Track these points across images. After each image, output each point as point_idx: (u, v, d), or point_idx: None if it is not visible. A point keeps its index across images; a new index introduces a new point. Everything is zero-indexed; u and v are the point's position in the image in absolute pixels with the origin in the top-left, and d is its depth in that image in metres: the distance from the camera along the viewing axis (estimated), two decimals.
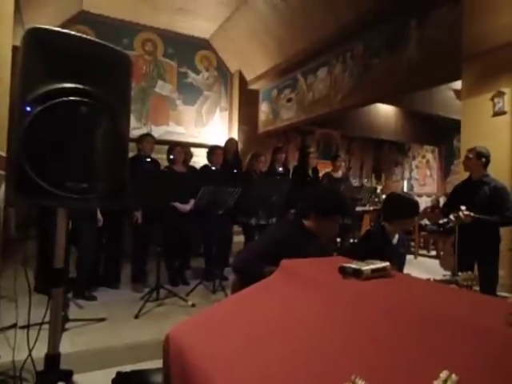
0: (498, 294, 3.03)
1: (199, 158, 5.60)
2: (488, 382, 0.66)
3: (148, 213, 3.87)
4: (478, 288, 2.67)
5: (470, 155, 3.16)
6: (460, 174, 4.06)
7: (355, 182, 8.76)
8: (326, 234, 2.20)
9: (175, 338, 1.13)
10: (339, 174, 5.44)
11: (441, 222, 6.78)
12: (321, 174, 5.50)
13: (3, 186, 1.96)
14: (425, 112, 7.43)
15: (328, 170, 5.78)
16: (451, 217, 3.05)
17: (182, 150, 4.34)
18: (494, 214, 2.94)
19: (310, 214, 2.12)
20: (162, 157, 4.59)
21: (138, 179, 3.35)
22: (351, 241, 5.08)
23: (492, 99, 3.61)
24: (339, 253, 2.85)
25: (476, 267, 3.05)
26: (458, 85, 4.65)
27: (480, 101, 3.72)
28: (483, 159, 3.09)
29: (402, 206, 2.38)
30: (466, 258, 3.05)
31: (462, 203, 3.00)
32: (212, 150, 4.53)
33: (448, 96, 6.99)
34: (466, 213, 2.93)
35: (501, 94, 3.55)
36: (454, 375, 0.67)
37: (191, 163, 5.18)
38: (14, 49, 2.04)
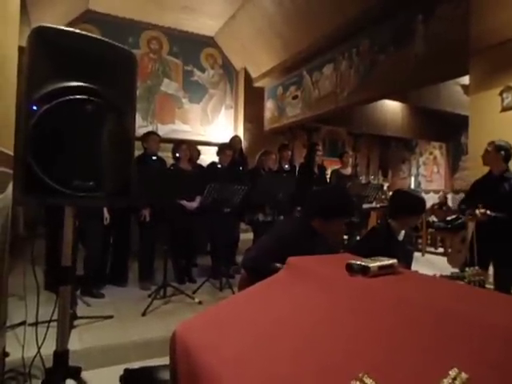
0: None
1: (205, 156, 5.60)
2: (498, 380, 0.65)
3: (154, 211, 3.88)
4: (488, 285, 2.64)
5: (489, 148, 3.05)
6: (470, 170, 4.03)
7: (362, 179, 8.71)
8: (331, 236, 2.18)
9: (182, 335, 1.13)
10: (348, 170, 5.41)
11: (449, 218, 6.73)
12: (328, 172, 5.48)
13: (11, 185, 1.97)
14: (432, 108, 7.36)
15: (336, 167, 5.76)
16: (468, 212, 2.98)
17: (187, 147, 4.35)
18: None
19: (315, 216, 2.11)
20: (168, 155, 4.61)
21: (145, 177, 3.37)
22: (357, 238, 5.06)
23: (500, 94, 3.56)
24: (346, 250, 2.84)
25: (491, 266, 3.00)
26: (465, 80, 4.60)
27: (488, 96, 3.67)
28: (502, 152, 2.98)
29: (407, 203, 2.35)
30: (481, 256, 2.95)
31: (481, 199, 2.92)
32: (222, 150, 4.56)
33: (455, 91, 6.91)
34: (482, 211, 2.85)
35: (509, 89, 3.50)
36: (463, 373, 0.66)
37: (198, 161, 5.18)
38: (21, 49, 2.06)
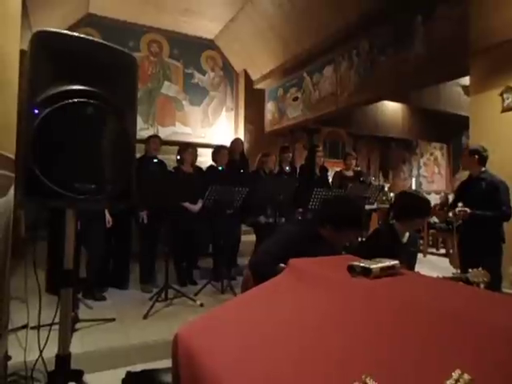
0: (504, 291, 3.04)
1: (206, 159, 5.60)
2: (501, 382, 0.65)
3: (155, 213, 3.89)
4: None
5: (464, 153, 3.27)
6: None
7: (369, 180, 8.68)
8: (338, 244, 2.17)
9: (184, 337, 1.13)
10: (351, 172, 5.41)
11: (449, 219, 6.73)
12: (330, 173, 5.48)
13: (12, 188, 1.98)
14: (432, 109, 7.37)
15: (337, 168, 5.76)
16: (450, 214, 3.13)
17: (193, 150, 4.37)
18: (492, 209, 2.96)
19: (327, 225, 2.09)
20: (169, 157, 4.62)
21: (145, 180, 3.37)
22: (360, 240, 5.04)
23: (501, 95, 3.56)
24: (348, 252, 2.83)
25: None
26: (466, 80, 4.60)
27: (489, 96, 3.67)
28: (476, 156, 3.13)
29: (414, 206, 2.32)
30: (470, 256, 3.02)
31: (463, 200, 3.05)
32: (217, 150, 4.56)
33: (456, 92, 6.92)
34: (459, 209, 2.98)
35: (510, 90, 3.50)
36: (466, 374, 0.66)
37: (196, 163, 5.19)
38: (22, 53, 2.06)
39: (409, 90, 5.64)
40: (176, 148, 4.50)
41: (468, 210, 2.96)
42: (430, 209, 2.41)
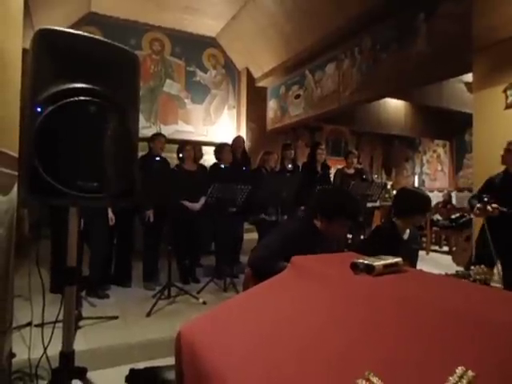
0: None
1: (208, 157, 5.60)
2: (505, 378, 0.64)
3: (158, 211, 3.89)
4: (494, 284, 2.62)
5: (511, 148, 3.01)
6: (474, 168, 4.00)
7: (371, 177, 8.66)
8: (332, 236, 2.18)
9: (187, 335, 1.13)
10: (352, 170, 5.42)
11: (453, 216, 6.71)
12: (332, 171, 5.48)
13: (16, 187, 1.98)
14: (435, 106, 7.32)
15: (339, 166, 5.75)
16: (477, 207, 2.95)
17: (191, 148, 4.36)
18: None
19: (318, 215, 2.13)
20: (171, 155, 4.62)
21: (149, 178, 3.38)
22: (362, 237, 5.04)
23: (504, 91, 3.54)
24: (350, 249, 2.83)
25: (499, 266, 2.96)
26: (469, 77, 4.57)
27: (492, 93, 3.65)
28: None
29: (413, 202, 2.33)
30: (487, 254, 2.90)
31: (499, 197, 2.90)
32: (220, 148, 4.56)
33: (459, 89, 6.88)
34: (495, 205, 2.85)
35: None
36: (470, 371, 0.65)
37: (200, 161, 5.20)
38: (24, 52, 2.07)
39: (411, 88, 5.61)
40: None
41: (499, 207, 2.83)
42: (429, 205, 2.38)
